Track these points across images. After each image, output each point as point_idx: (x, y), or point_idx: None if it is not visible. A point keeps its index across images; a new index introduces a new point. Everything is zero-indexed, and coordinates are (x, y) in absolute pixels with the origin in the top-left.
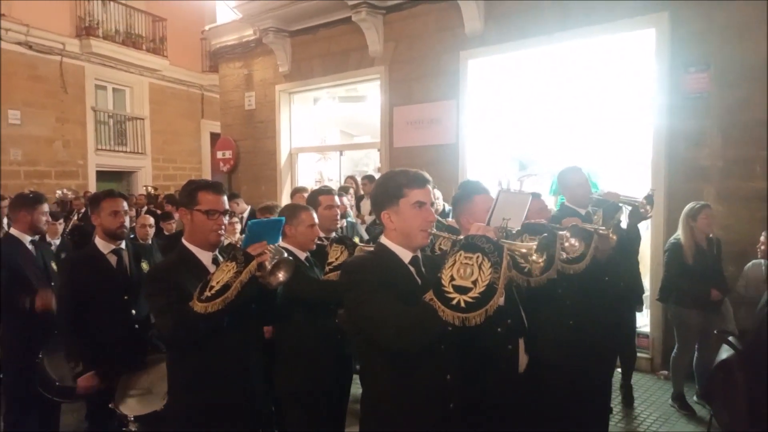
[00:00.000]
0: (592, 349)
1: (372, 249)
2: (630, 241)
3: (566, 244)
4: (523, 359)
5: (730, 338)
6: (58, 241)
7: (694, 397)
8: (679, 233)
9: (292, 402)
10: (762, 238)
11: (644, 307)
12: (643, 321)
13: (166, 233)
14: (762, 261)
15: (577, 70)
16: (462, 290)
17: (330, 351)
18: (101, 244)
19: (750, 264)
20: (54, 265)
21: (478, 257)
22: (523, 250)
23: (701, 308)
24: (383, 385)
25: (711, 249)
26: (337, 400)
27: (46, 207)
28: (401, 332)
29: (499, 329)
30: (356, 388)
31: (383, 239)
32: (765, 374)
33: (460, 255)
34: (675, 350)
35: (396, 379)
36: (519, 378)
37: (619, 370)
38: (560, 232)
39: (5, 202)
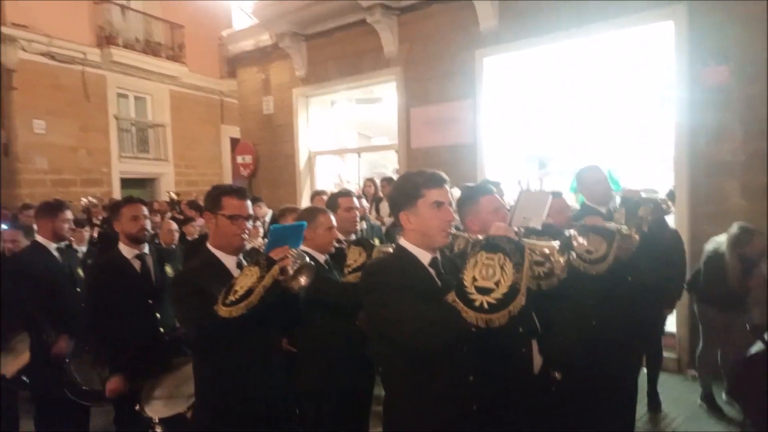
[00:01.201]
0: (616, 349)
1: (391, 251)
2: (654, 238)
3: (575, 243)
4: (537, 360)
5: (766, 334)
6: (84, 248)
7: (723, 396)
8: (725, 251)
9: (313, 403)
10: None
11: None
12: (669, 319)
13: (188, 238)
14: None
15: (595, 66)
16: (484, 291)
17: (351, 352)
18: (125, 250)
19: None
20: (80, 272)
21: (500, 258)
22: (546, 251)
23: (728, 309)
24: (405, 387)
25: (753, 262)
26: (360, 401)
27: (68, 214)
28: (423, 334)
29: (521, 329)
30: (379, 390)
31: (402, 241)
32: None
33: (482, 255)
34: (700, 348)
35: (418, 380)
36: (534, 379)
37: (645, 370)
38: (568, 231)
39: (31, 211)
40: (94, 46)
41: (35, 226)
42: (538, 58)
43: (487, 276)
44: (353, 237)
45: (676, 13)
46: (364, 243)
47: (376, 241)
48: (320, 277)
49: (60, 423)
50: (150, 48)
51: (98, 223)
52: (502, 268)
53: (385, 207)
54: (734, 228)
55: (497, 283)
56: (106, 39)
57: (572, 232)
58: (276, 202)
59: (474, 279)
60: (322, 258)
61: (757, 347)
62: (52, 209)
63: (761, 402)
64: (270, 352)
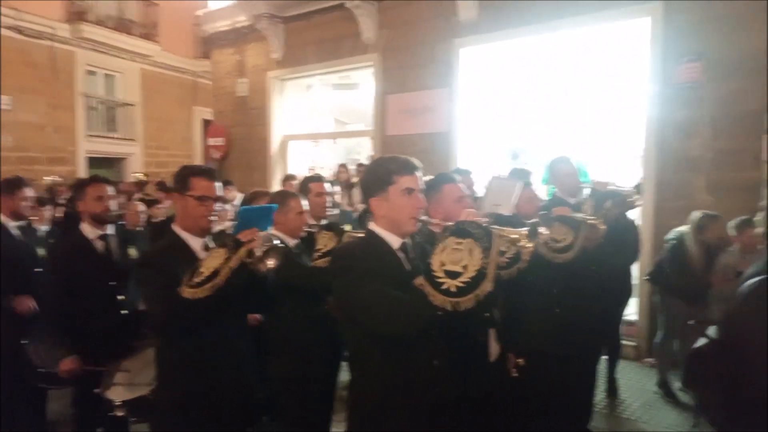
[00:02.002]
0: (578, 336)
1: (361, 235)
2: (620, 230)
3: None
4: (494, 349)
5: (710, 328)
6: (46, 227)
7: (679, 384)
8: (687, 237)
9: (284, 388)
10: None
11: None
12: (630, 309)
13: (154, 220)
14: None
15: (571, 59)
16: (452, 275)
17: (320, 337)
18: (87, 230)
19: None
20: (40, 251)
21: (468, 242)
22: (513, 236)
23: (688, 300)
24: (372, 371)
25: (714, 250)
26: (327, 385)
27: (28, 192)
28: (393, 317)
29: (487, 314)
30: (344, 375)
31: (372, 226)
32: (741, 361)
33: (451, 240)
34: (659, 337)
35: (385, 364)
36: (490, 367)
37: (605, 357)
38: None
39: None
40: (64, 22)
41: None
42: (516, 49)
43: (455, 260)
44: (323, 222)
45: (653, 11)
46: (334, 228)
47: (348, 227)
48: (289, 261)
49: (16, 405)
50: (122, 25)
51: (62, 202)
52: (470, 252)
53: (357, 193)
54: (696, 214)
55: (465, 267)
56: (76, 14)
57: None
58: (248, 186)
59: (442, 263)
60: (292, 242)
61: (702, 341)
62: (11, 186)
63: (709, 393)
64: (237, 337)
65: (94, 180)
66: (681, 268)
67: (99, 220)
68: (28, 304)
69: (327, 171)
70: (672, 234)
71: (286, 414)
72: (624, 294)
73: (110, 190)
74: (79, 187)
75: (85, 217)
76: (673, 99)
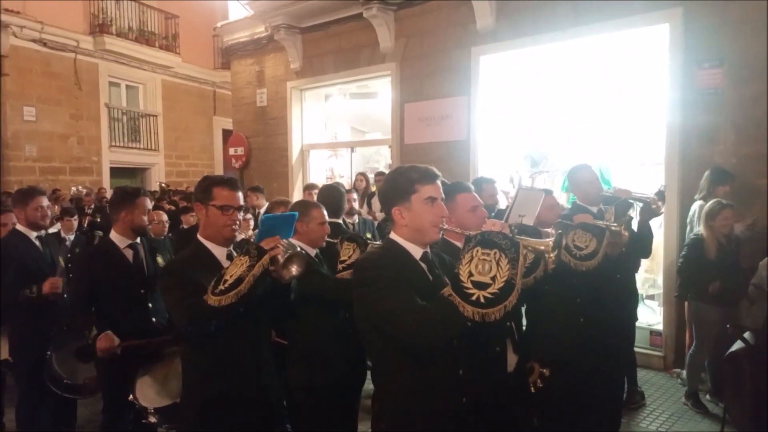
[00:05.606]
0: (603, 346)
1: (382, 245)
2: (641, 239)
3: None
4: (512, 359)
5: (746, 334)
6: (72, 237)
7: (707, 396)
8: (701, 230)
9: (303, 397)
10: None
11: (657, 304)
12: (657, 318)
13: (185, 227)
14: None
15: (590, 66)
16: (481, 286)
17: (342, 347)
18: (117, 239)
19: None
20: (62, 261)
21: (495, 253)
22: (541, 247)
23: (721, 304)
24: (397, 381)
25: (730, 245)
26: (350, 396)
27: (41, 201)
28: (422, 327)
29: (509, 323)
30: (368, 384)
31: (393, 235)
32: None
33: (477, 251)
34: (693, 348)
35: (410, 374)
36: (508, 377)
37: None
38: (545, 230)
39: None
40: (87, 34)
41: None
42: (534, 57)
43: (483, 271)
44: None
45: (672, 16)
46: (357, 239)
47: (368, 236)
48: (314, 271)
49: (42, 414)
50: (143, 37)
51: (89, 212)
52: (497, 263)
53: (377, 202)
54: (709, 203)
55: (493, 278)
56: (99, 27)
57: (550, 230)
58: (268, 195)
59: (470, 274)
60: (312, 252)
61: (737, 345)
62: (24, 197)
63: (740, 398)
64: (260, 344)
65: (143, 192)
66: (701, 265)
67: (139, 232)
68: (56, 284)
69: (346, 180)
70: (693, 234)
71: (304, 422)
72: (634, 301)
73: (149, 202)
74: (129, 198)
75: (121, 226)
76: (695, 105)
